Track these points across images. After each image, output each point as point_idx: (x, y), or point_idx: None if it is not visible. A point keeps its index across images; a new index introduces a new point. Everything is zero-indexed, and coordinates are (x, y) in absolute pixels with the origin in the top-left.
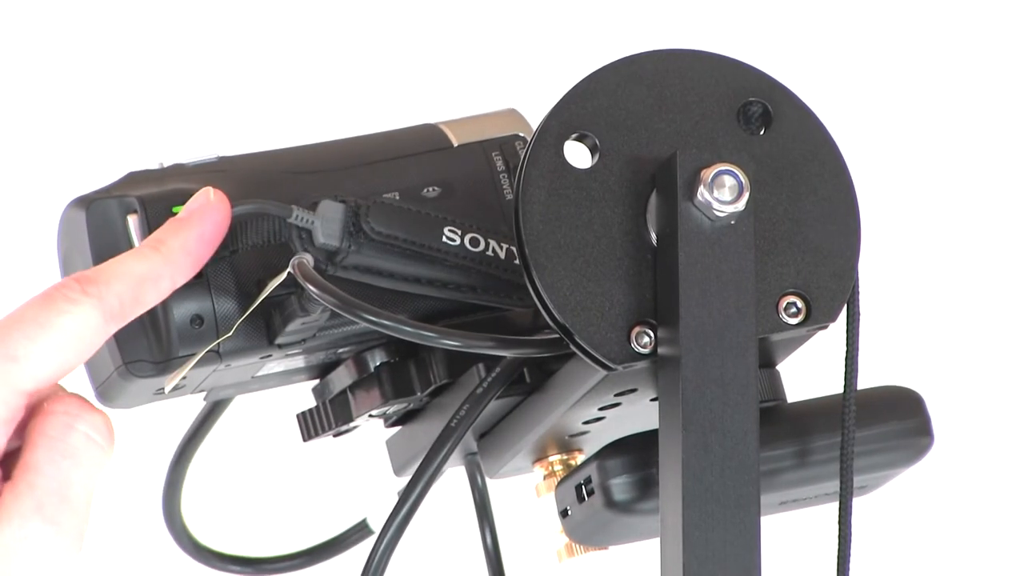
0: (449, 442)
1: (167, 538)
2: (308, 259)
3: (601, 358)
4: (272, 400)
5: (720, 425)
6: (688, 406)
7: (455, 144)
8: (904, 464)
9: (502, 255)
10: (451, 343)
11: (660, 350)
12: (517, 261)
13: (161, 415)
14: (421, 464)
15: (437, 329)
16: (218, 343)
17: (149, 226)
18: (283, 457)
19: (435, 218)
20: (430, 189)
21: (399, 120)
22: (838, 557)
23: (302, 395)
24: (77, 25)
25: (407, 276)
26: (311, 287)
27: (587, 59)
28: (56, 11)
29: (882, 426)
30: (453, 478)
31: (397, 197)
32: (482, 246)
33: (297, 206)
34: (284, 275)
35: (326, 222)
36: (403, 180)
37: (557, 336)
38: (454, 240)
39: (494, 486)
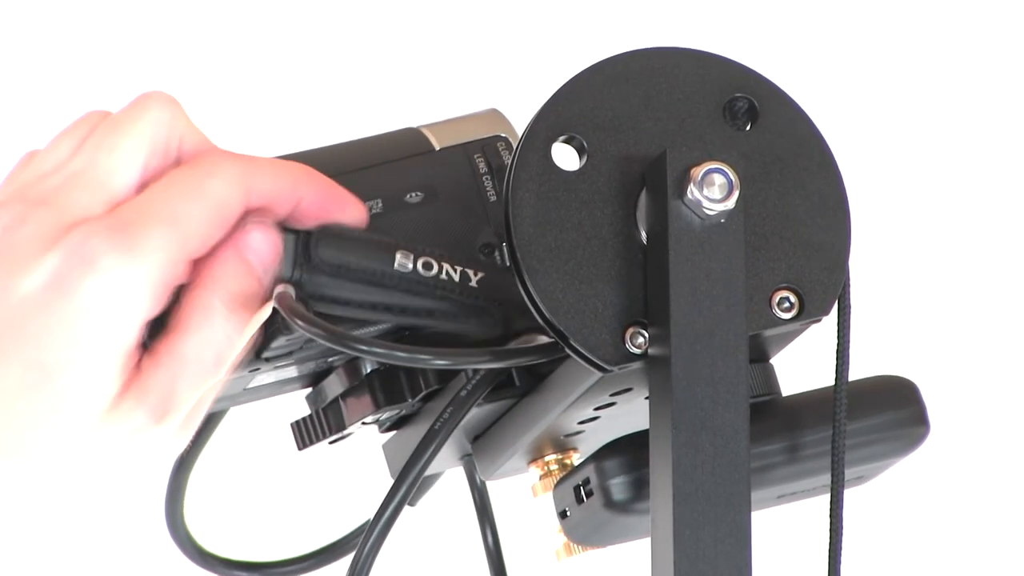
0: (432, 445)
1: (172, 547)
2: (290, 291)
3: (596, 360)
4: (271, 404)
5: (711, 424)
6: (678, 405)
7: (437, 148)
8: (900, 453)
9: (456, 278)
10: (444, 363)
11: (651, 350)
12: (473, 284)
13: None
14: (404, 466)
15: (430, 351)
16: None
17: None
18: (286, 462)
19: (386, 243)
20: (413, 194)
21: (381, 124)
22: (830, 549)
23: (300, 401)
24: (67, 28)
25: (362, 304)
26: (296, 321)
27: (571, 61)
28: (49, 11)
29: (877, 416)
30: (453, 478)
31: (380, 204)
32: (435, 270)
33: None
34: (268, 309)
35: None
36: (385, 186)
37: (551, 341)
38: (405, 266)
39: (494, 485)
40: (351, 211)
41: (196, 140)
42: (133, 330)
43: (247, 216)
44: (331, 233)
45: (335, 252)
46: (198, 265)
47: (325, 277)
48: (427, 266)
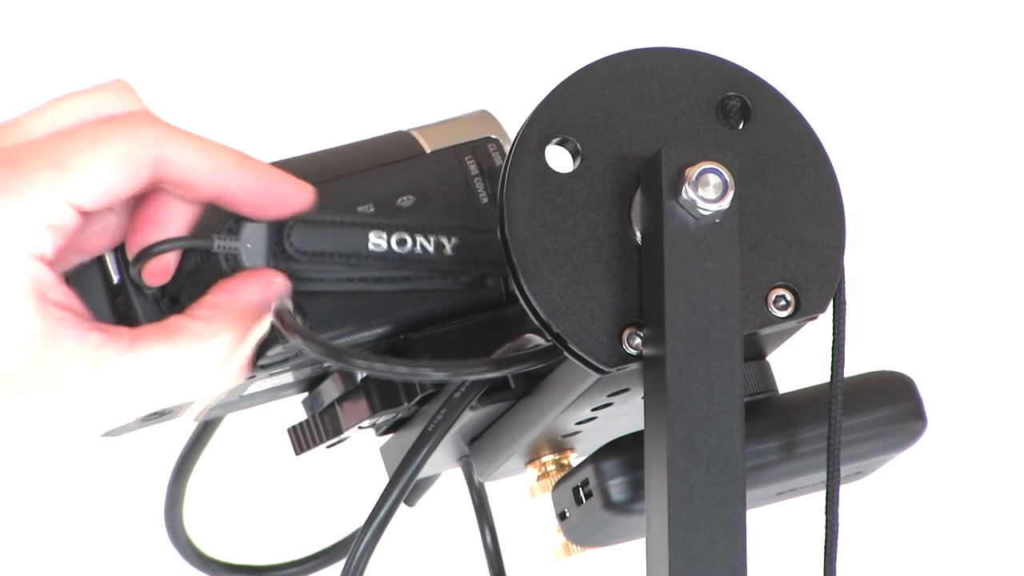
0: (425, 448)
1: (173, 552)
2: (289, 305)
3: (594, 362)
4: (268, 410)
5: (705, 423)
6: (673, 405)
7: (428, 151)
8: (898, 448)
9: (431, 248)
10: (442, 376)
11: (646, 350)
12: (447, 251)
13: (157, 436)
14: (397, 469)
15: (429, 364)
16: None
17: (121, 250)
18: (284, 467)
19: (359, 225)
20: (405, 198)
21: (371, 127)
22: (825, 546)
23: (296, 406)
24: (66, 28)
25: (339, 279)
26: (296, 338)
27: (562, 62)
28: (50, 11)
29: (874, 412)
30: (453, 479)
31: (372, 208)
32: (409, 245)
33: (218, 234)
34: (267, 326)
35: (251, 246)
36: (377, 191)
37: (549, 345)
38: (380, 246)
39: (493, 486)
40: (290, 202)
41: None
42: (22, 265)
43: (165, 187)
44: (303, 221)
45: (308, 241)
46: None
47: (301, 265)
48: (401, 242)
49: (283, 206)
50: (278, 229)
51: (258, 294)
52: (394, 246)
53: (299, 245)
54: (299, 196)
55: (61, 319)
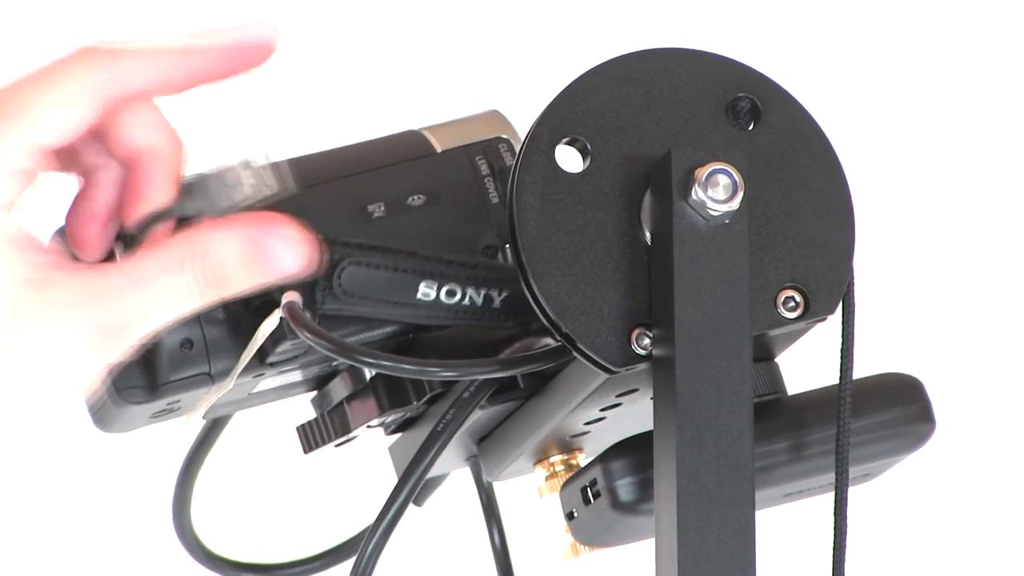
0: (434, 448)
1: (180, 550)
2: (297, 300)
3: (603, 362)
4: (277, 408)
5: (715, 424)
6: (682, 405)
7: (439, 150)
8: (906, 451)
9: (479, 302)
10: (451, 375)
11: (655, 351)
12: (496, 305)
13: (165, 434)
14: (406, 469)
15: (438, 363)
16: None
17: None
18: (293, 465)
19: (410, 275)
20: (415, 197)
21: (382, 126)
22: (834, 548)
23: (305, 404)
24: (67, 27)
25: (380, 318)
26: (305, 333)
27: (572, 62)
28: (49, 10)
29: (882, 414)
30: (461, 479)
31: (383, 207)
32: (458, 297)
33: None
34: (276, 320)
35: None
36: (388, 190)
37: (558, 345)
38: (429, 295)
39: (502, 486)
40: (260, 44)
41: None
42: None
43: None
44: (355, 265)
45: (358, 286)
46: (213, 221)
47: (347, 306)
48: (450, 294)
49: (257, 53)
50: (329, 271)
51: (248, 252)
52: (443, 297)
53: (348, 287)
54: (264, 32)
55: (50, 263)
